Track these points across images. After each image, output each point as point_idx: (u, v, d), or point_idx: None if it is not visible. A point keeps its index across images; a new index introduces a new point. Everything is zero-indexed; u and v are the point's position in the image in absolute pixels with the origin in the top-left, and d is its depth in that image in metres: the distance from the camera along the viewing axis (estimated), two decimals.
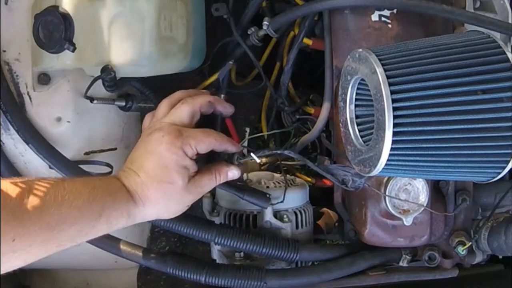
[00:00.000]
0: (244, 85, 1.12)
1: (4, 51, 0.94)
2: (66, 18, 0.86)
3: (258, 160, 0.87)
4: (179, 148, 0.78)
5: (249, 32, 1.03)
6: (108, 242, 0.93)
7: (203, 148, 0.81)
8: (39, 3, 0.89)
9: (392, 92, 0.66)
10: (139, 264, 0.99)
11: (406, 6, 0.85)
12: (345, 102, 0.79)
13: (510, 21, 0.96)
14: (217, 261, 1.01)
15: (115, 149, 1.02)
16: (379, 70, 0.68)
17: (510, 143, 0.68)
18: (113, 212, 0.74)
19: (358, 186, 0.86)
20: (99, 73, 0.89)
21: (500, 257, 1.08)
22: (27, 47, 0.93)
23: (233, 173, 0.86)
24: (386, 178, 0.90)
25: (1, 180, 0.64)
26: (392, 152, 0.68)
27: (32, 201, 0.65)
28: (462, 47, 0.71)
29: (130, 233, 1.07)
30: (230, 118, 1.10)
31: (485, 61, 0.69)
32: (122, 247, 0.94)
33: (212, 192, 1.04)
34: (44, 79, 0.95)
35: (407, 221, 0.91)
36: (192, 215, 0.95)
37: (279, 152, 0.89)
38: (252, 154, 0.85)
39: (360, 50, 0.73)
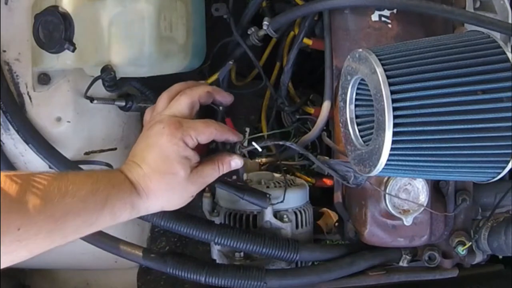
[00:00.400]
0: (244, 85, 1.12)
1: (4, 51, 0.94)
2: (66, 18, 0.86)
3: (260, 149, 0.87)
4: (180, 139, 0.78)
5: (249, 32, 1.03)
6: (108, 242, 0.93)
7: (204, 138, 0.80)
8: (39, 3, 0.89)
9: (392, 92, 0.66)
10: (139, 264, 0.99)
11: (406, 6, 0.85)
12: (345, 102, 0.79)
13: (510, 21, 0.96)
14: (217, 261, 1.01)
15: (115, 149, 1.02)
16: (379, 70, 0.68)
17: (510, 143, 0.68)
18: (117, 203, 0.75)
19: (360, 183, 0.86)
20: (99, 73, 0.89)
21: (500, 257, 1.08)
22: (27, 47, 0.93)
23: (235, 162, 0.85)
24: (386, 178, 0.90)
25: (5, 172, 0.65)
26: (392, 152, 0.68)
27: (36, 192, 0.65)
28: (462, 47, 0.71)
29: (130, 233, 1.07)
30: (230, 118, 1.10)
31: (485, 61, 0.69)
32: (122, 247, 0.94)
33: (212, 192, 1.04)
34: (44, 79, 0.95)
35: (407, 221, 0.91)
36: (192, 215, 0.95)
37: (280, 143, 0.89)
38: (254, 144, 0.85)
39: (360, 50, 0.73)
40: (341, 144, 0.89)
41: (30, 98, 0.95)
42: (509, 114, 0.67)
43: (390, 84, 0.67)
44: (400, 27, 0.90)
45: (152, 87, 1.03)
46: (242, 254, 0.97)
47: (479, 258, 0.99)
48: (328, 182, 1.04)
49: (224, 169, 0.85)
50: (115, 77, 0.89)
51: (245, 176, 1.01)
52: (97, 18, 0.87)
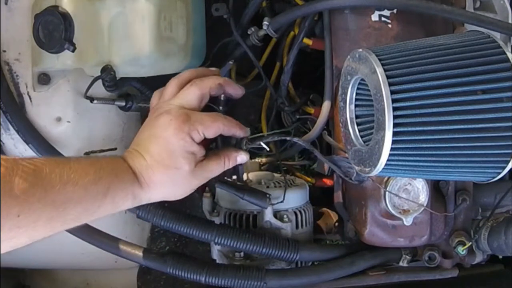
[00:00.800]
0: (244, 85, 1.11)
1: (4, 51, 0.94)
2: (66, 18, 0.86)
3: (267, 148, 0.88)
4: (186, 134, 0.77)
5: (249, 32, 1.03)
6: (108, 242, 0.94)
7: (211, 133, 0.80)
8: (39, 3, 0.89)
9: (392, 92, 0.66)
10: (139, 264, 0.99)
11: (406, 6, 0.85)
12: (345, 102, 0.79)
13: (510, 21, 0.96)
14: (217, 261, 1.01)
15: (115, 149, 1.02)
16: (379, 70, 0.68)
17: (510, 143, 0.68)
18: (119, 193, 0.74)
19: (362, 179, 0.87)
20: (99, 73, 0.89)
21: (500, 257, 1.08)
22: (27, 47, 0.93)
23: (241, 157, 0.85)
24: (386, 178, 0.90)
25: (4, 157, 0.64)
26: (392, 152, 0.68)
27: (38, 178, 0.65)
28: (462, 47, 0.71)
29: (130, 233, 1.07)
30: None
31: (485, 61, 0.69)
32: (122, 247, 0.94)
33: (212, 192, 1.04)
34: (44, 79, 0.95)
35: (407, 221, 0.91)
36: (192, 215, 0.95)
37: (288, 138, 0.90)
38: (261, 143, 0.85)
39: (360, 50, 0.73)
40: (341, 145, 0.89)
41: (30, 98, 0.95)
42: (509, 114, 0.67)
43: (390, 84, 0.67)
44: (400, 27, 0.90)
45: (152, 87, 1.03)
46: (242, 254, 0.97)
47: (479, 258, 0.99)
48: (328, 182, 1.04)
49: (230, 164, 0.84)
50: (115, 77, 0.89)
51: (245, 176, 1.01)
52: (97, 18, 0.87)
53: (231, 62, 1.04)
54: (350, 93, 0.78)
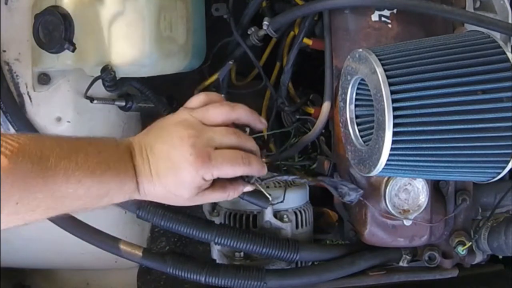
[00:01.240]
0: (244, 85, 1.12)
1: (4, 51, 0.94)
2: (66, 18, 0.86)
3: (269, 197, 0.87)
4: (201, 176, 0.75)
5: (249, 32, 1.03)
6: (108, 242, 0.93)
7: (225, 176, 0.78)
8: (39, 3, 0.89)
9: (392, 92, 0.66)
10: (139, 264, 0.99)
11: (406, 6, 0.85)
12: (345, 102, 0.79)
13: (510, 21, 0.96)
14: (217, 261, 1.01)
15: None
16: (379, 70, 0.68)
17: (510, 143, 0.68)
18: (118, 196, 0.74)
19: (352, 201, 0.90)
20: (99, 73, 0.89)
21: (500, 257, 1.08)
22: (27, 47, 0.93)
23: (247, 189, 0.83)
24: (386, 178, 0.90)
25: (12, 137, 0.63)
26: (392, 152, 0.68)
27: (42, 168, 0.64)
28: (462, 47, 0.71)
29: (130, 233, 1.07)
30: None
31: (485, 61, 0.69)
32: (122, 247, 0.94)
33: None
34: (44, 79, 0.95)
35: (407, 221, 0.91)
36: (192, 215, 0.95)
37: (290, 179, 0.91)
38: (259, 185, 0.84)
39: (360, 50, 0.73)
40: (341, 145, 0.89)
41: (30, 98, 0.95)
42: (509, 114, 0.67)
43: (390, 84, 0.67)
44: (400, 27, 0.90)
45: (152, 87, 1.03)
46: (242, 254, 0.97)
47: (479, 258, 0.99)
48: None
49: (235, 195, 0.82)
50: (115, 77, 0.89)
51: None
52: (97, 18, 0.87)
53: (231, 62, 1.04)
54: (350, 93, 0.78)
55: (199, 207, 1.05)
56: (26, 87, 0.95)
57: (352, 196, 0.89)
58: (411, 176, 0.87)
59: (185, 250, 1.17)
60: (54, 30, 0.86)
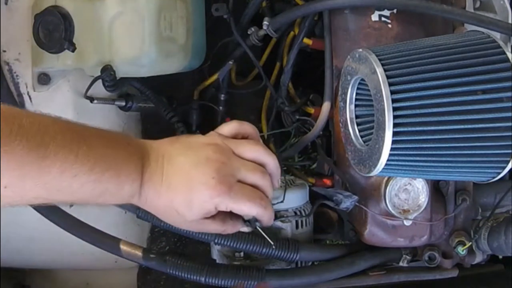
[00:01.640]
0: (244, 85, 1.12)
1: (4, 51, 0.94)
2: (66, 18, 0.86)
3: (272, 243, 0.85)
4: (214, 204, 0.72)
5: (249, 32, 1.03)
6: (108, 242, 0.93)
7: (237, 212, 0.74)
8: (39, 3, 0.89)
9: (392, 92, 0.66)
10: (139, 264, 0.99)
11: (406, 6, 0.85)
12: (345, 102, 0.80)
13: (510, 21, 0.96)
14: (217, 261, 1.01)
15: None
16: (379, 70, 0.68)
17: (510, 143, 0.68)
18: (113, 198, 0.70)
19: (347, 208, 0.91)
20: (99, 73, 0.89)
21: (500, 257, 1.08)
22: (27, 47, 0.93)
23: (244, 230, 0.80)
24: (386, 178, 0.90)
25: (13, 112, 0.60)
26: (392, 152, 0.68)
27: (39, 156, 0.60)
28: (462, 47, 0.71)
29: (130, 233, 1.07)
30: (230, 118, 1.10)
31: (485, 61, 0.69)
32: (122, 247, 0.93)
33: None
34: (44, 79, 0.95)
35: (407, 221, 0.91)
36: None
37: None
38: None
39: (360, 50, 0.73)
40: (341, 145, 0.89)
41: (30, 98, 0.95)
42: (509, 114, 0.67)
43: (390, 84, 0.67)
44: (400, 27, 0.90)
45: (152, 87, 1.03)
46: (242, 254, 0.97)
47: (479, 258, 0.99)
48: (328, 182, 1.04)
49: (230, 232, 0.79)
50: (115, 77, 0.89)
51: None
52: (97, 18, 0.87)
53: (231, 62, 1.04)
54: (350, 93, 0.78)
55: None
56: (26, 87, 0.95)
57: (347, 203, 0.90)
58: (411, 176, 0.87)
59: (185, 250, 1.17)
60: (54, 30, 0.86)
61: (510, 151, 0.69)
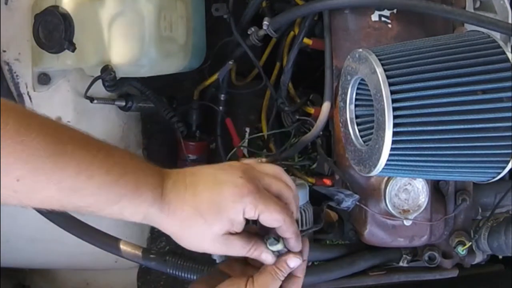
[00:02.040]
0: (244, 85, 1.12)
1: (4, 51, 0.94)
2: (66, 18, 0.86)
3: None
4: (243, 205, 0.67)
5: (249, 32, 1.03)
6: (108, 242, 0.93)
7: (266, 219, 0.68)
8: (39, 3, 0.89)
9: (392, 92, 0.66)
10: (139, 264, 0.99)
11: (406, 6, 0.85)
12: (345, 102, 0.80)
13: (510, 21, 0.96)
14: (217, 261, 1.01)
15: None
16: (379, 70, 0.68)
17: (510, 143, 0.68)
18: (130, 207, 0.66)
19: (348, 207, 0.90)
20: (99, 73, 0.89)
21: (500, 257, 1.08)
22: (27, 47, 0.93)
23: (268, 259, 0.72)
24: (386, 178, 0.90)
25: (30, 113, 0.60)
26: (392, 152, 0.68)
27: (56, 152, 0.59)
28: (462, 47, 0.71)
29: (130, 233, 1.07)
30: (230, 118, 1.10)
31: (485, 61, 0.69)
32: (122, 247, 0.93)
33: None
34: (44, 79, 0.95)
35: (407, 221, 0.91)
36: None
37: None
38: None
39: (360, 50, 0.73)
40: (341, 145, 0.89)
41: (30, 98, 0.95)
42: (509, 114, 0.67)
43: (390, 84, 0.67)
44: (400, 27, 0.90)
45: (152, 87, 1.03)
46: None
47: (479, 258, 0.99)
48: (328, 182, 1.04)
49: (253, 255, 0.72)
50: (115, 77, 0.89)
51: None
52: (97, 18, 0.87)
53: (231, 62, 1.04)
54: (350, 93, 0.78)
55: None
56: (26, 87, 0.95)
57: (348, 202, 0.90)
58: (411, 176, 0.87)
59: (185, 250, 1.17)
60: (54, 30, 0.86)
61: (510, 151, 0.69)
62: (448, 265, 0.98)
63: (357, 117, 0.80)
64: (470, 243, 0.94)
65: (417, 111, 0.67)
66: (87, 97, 0.96)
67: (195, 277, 0.91)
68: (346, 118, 0.80)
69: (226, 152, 1.09)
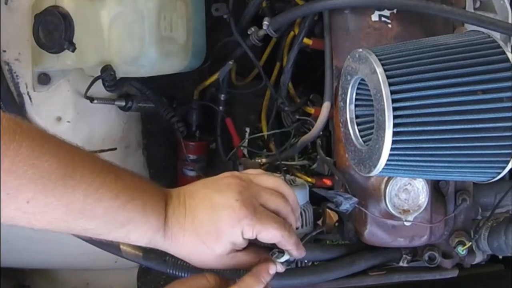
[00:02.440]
0: (244, 85, 1.12)
1: (4, 51, 0.94)
2: (66, 18, 0.86)
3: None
4: (241, 228, 0.69)
5: (249, 32, 1.03)
6: (108, 242, 0.93)
7: (265, 237, 0.70)
8: (39, 3, 0.89)
9: (392, 92, 0.66)
10: (139, 264, 0.99)
11: (406, 6, 0.85)
12: (345, 102, 0.79)
13: (510, 21, 0.96)
14: None
15: (115, 149, 1.02)
16: (379, 70, 0.68)
17: (510, 143, 0.68)
18: (137, 230, 0.68)
19: (347, 210, 0.91)
20: (99, 73, 0.89)
21: (500, 257, 1.08)
22: (27, 47, 0.93)
23: (272, 270, 0.74)
24: (386, 178, 0.90)
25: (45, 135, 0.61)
26: (392, 152, 0.68)
27: (67, 174, 0.60)
28: (462, 47, 0.71)
29: None
30: (230, 118, 1.10)
31: (485, 61, 0.69)
32: (122, 247, 0.93)
33: None
34: (44, 79, 0.95)
35: (407, 221, 0.91)
36: None
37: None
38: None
39: (360, 50, 0.73)
40: (341, 145, 0.89)
41: (30, 98, 0.95)
42: (509, 114, 0.67)
43: (390, 84, 0.67)
44: (400, 27, 0.90)
45: (152, 87, 1.03)
46: None
47: (479, 258, 0.99)
48: (328, 182, 1.04)
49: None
50: (115, 77, 0.89)
51: None
52: (97, 18, 0.87)
53: (231, 62, 1.04)
54: (350, 93, 0.78)
55: None
56: (26, 87, 0.95)
57: (347, 205, 0.91)
58: (411, 176, 0.87)
59: None
60: (54, 30, 0.86)
61: (510, 151, 0.69)
62: (448, 265, 0.98)
63: (357, 117, 0.79)
64: (470, 243, 0.94)
65: (417, 111, 0.67)
66: (87, 97, 0.96)
67: None
68: (346, 118, 0.80)
69: (226, 152, 1.09)
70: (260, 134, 1.10)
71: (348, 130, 0.80)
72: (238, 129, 1.10)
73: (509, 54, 0.69)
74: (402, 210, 0.91)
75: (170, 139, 1.13)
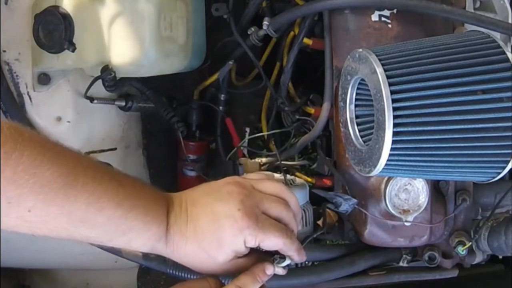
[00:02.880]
0: (244, 85, 1.12)
1: (4, 51, 0.94)
2: (66, 18, 0.86)
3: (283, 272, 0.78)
4: (243, 237, 0.69)
5: (249, 32, 1.03)
6: None
7: (266, 246, 0.72)
8: (39, 3, 0.89)
9: (392, 92, 0.66)
10: (139, 264, 0.99)
11: (406, 6, 0.85)
12: (345, 102, 0.80)
13: (510, 21, 0.96)
14: None
15: (115, 149, 1.02)
16: (379, 70, 0.68)
17: (510, 143, 0.68)
18: (138, 239, 0.68)
19: (346, 211, 0.91)
20: (99, 73, 0.89)
21: (500, 257, 1.08)
22: (27, 47, 0.93)
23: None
24: (386, 178, 0.90)
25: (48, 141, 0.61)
26: (392, 152, 0.68)
27: (68, 183, 0.60)
28: (462, 47, 0.71)
29: None
30: (230, 118, 1.10)
31: (485, 61, 0.69)
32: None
33: None
34: (44, 79, 0.95)
35: (407, 221, 0.91)
36: None
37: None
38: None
39: (360, 50, 0.73)
40: (341, 145, 0.89)
41: (30, 98, 0.95)
42: (509, 114, 0.67)
43: (390, 84, 0.67)
44: (400, 27, 0.90)
45: (152, 87, 1.03)
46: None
47: (479, 258, 0.99)
48: (328, 182, 1.04)
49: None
50: (115, 77, 0.89)
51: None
52: (97, 18, 0.87)
53: (231, 62, 1.04)
54: (350, 93, 0.78)
55: None
56: (26, 87, 0.95)
57: (346, 205, 0.91)
58: (411, 176, 0.87)
59: None
60: (54, 30, 0.86)
61: (510, 151, 0.69)
62: (448, 265, 0.98)
63: (357, 117, 0.80)
64: (470, 243, 0.94)
65: (417, 111, 0.67)
66: (87, 97, 0.96)
67: (195, 277, 0.91)
68: (346, 118, 0.80)
69: (226, 152, 1.09)
70: (260, 134, 1.10)
71: (348, 130, 0.80)
72: (238, 129, 1.10)
73: (509, 54, 0.69)
74: (402, 210, 0.91)
75: (170, 139, 1.13)
